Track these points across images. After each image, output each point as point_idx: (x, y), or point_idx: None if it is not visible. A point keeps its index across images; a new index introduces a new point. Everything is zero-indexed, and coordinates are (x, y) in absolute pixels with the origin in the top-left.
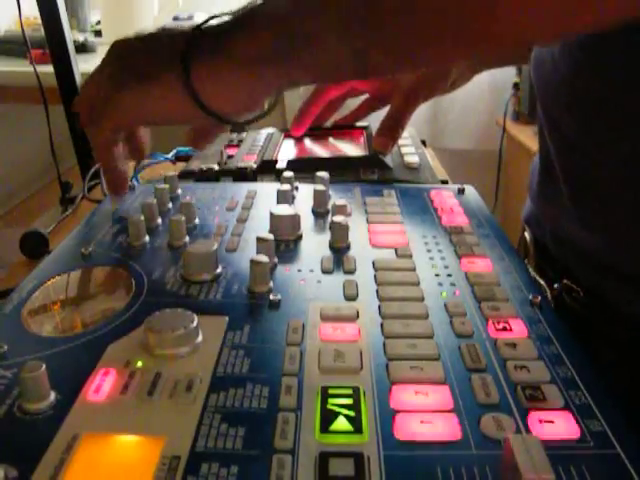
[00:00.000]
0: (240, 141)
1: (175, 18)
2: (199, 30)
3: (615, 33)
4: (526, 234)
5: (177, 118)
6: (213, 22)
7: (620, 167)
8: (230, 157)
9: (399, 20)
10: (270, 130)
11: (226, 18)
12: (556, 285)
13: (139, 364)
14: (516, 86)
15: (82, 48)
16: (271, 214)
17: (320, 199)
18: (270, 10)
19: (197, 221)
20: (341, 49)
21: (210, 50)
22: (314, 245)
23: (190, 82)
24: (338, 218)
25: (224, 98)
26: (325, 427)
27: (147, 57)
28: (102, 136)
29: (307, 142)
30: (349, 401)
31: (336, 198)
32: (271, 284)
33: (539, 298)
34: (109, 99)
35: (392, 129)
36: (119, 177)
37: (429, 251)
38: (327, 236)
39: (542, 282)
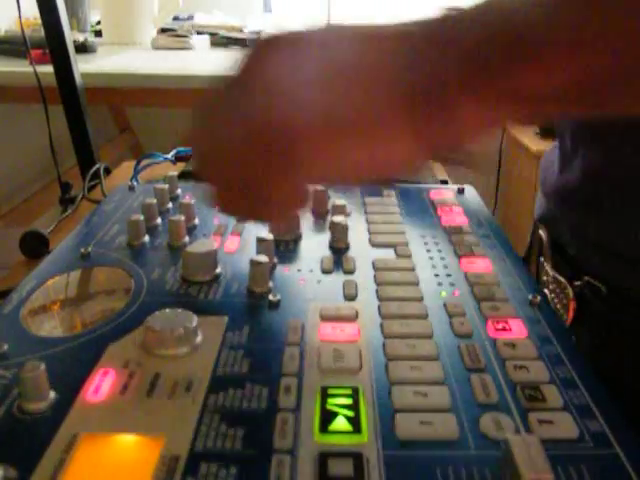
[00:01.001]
0: None
1: (175, 18)
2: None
3: None
4: (541, 232)
5: (393, 170)
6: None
7: None
8: None
9: None
10: None
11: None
12: (578, 282)
13: (138, 364)
14: None
15: (82, 48)
16: None
17: (320, 199)
18: (568, 36)
19: (197, 221)
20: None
21: (482, 81)
22: (314, 245)
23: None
24: (338, 218)
25: (473, 139)
26: (324, 427)
27: (355, 104)
28: (293, 192)
29: None
30: (348, 401)
31: (336, 198)
32: (271, 284)
33: (538, 298)
34: (298, 142)
35: None
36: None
37: (429, 251)
38: (327, 236)
39: (563, 280)
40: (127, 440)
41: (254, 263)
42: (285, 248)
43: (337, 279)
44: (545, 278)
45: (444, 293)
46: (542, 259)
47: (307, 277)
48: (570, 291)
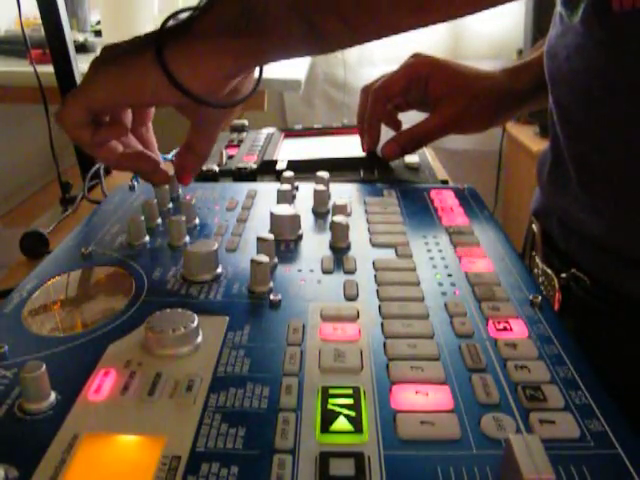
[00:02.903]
0: (240, 141)
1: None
2: (173, 16)
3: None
4: (533, 226)
5: (154, 99)
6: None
7: (629, 152)
8: (230, 157)
9: None
10: (270, 130)
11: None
12: (564, 275)
13: (139, 364)
14: None
15: (82, 48)
16: (271, 214)
17: (320, 199)
18: None
19: (197, 221)
20: (296, 20)
21: (182, 31)
22: (314, 245)
23: (164, 62)
24: (338, 218)
25: (196, 75)
26: (325, 427)
27: (125, 47)
28: (72, 115)
29: (307, 142)
30: (349, 401)
31: (336, 198)
32: (271, 284)
33: (539, 298)
34: (85, 82)
35: (411, 146)
36: (113, 157)
37: (429, 251)
38: (327, 236)
39: (550, 272)
40: (128, 440)
41: (255, 263)
42: (286, 248)
43: (338, 279)
44: (536, 271)
45: (439, 275)
46: (534, 253)
47: (308, 277)
48: (556, 283)
